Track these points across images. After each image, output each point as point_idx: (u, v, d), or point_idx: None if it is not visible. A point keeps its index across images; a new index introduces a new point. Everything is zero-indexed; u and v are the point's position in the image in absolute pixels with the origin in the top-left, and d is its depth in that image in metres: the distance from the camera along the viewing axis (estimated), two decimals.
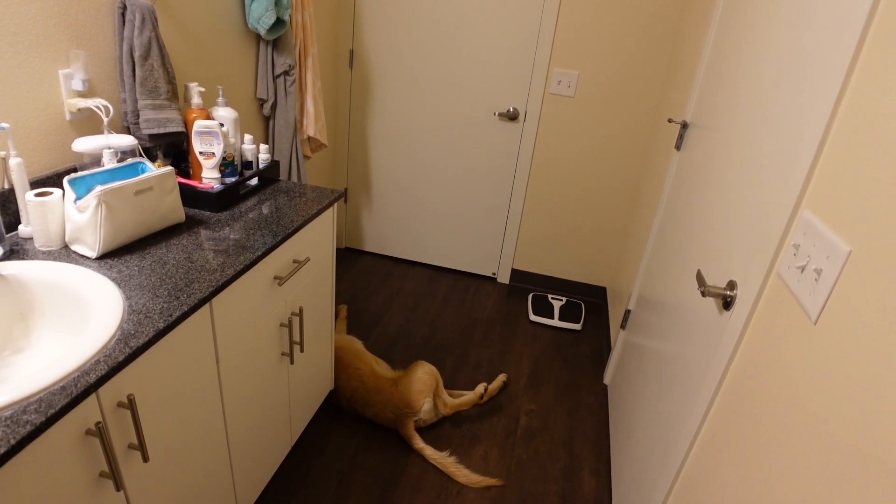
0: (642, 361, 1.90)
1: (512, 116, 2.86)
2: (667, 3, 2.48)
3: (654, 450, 1.55)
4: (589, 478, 1.98)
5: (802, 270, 0.90)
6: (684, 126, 2.00)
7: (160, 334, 1.01)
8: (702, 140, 1.75)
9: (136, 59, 1.48)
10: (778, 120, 1.15)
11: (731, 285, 1.20)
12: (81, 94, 1.43)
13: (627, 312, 2.32)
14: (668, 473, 1.36)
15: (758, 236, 1.13)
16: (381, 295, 2.98)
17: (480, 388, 2.19)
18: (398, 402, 2.04)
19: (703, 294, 1.22)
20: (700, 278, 1.29)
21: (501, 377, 2.37)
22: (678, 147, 2.03)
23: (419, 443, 2.00)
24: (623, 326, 2.35)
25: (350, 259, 3.33)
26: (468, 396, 2.16)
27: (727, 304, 1.20)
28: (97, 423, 0.91)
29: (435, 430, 2.10)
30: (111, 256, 1.24)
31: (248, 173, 1.69)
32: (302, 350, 1.66)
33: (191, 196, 1.53)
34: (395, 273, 3.23)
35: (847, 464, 0.70)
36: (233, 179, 1.63)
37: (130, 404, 0.98)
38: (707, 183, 1.59)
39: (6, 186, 1.29)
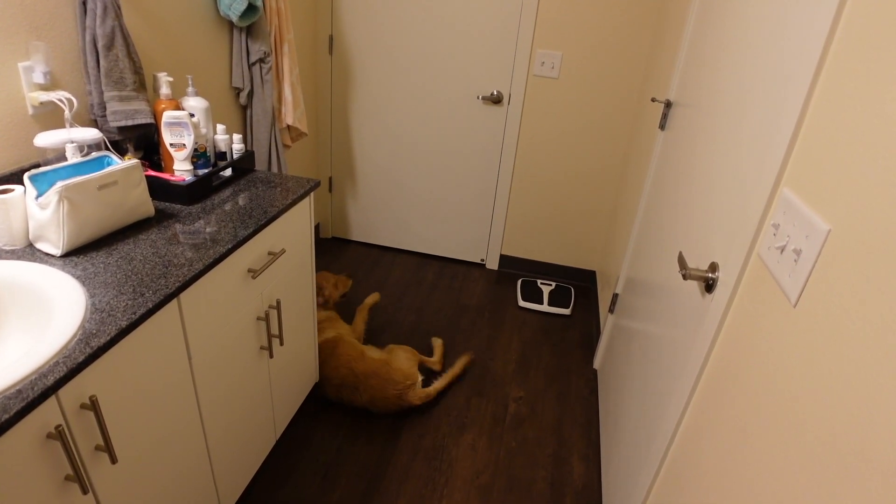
0: (630, 346, 1.88)
1: (496, 100, 2.82)
2: None
3: (640, 434, 1.54)
4: (578, 463, 1.96)
5: (782, 251, 0.88)
6: (668, 105, 1.97)
7: (123, 333, 0.98)
8: (685, 119, 1.72)
9: (100, 50, 1.44)
10: (758, 96, 1.12)
11: (713, 267, 1.17)
12: (44, 87, 1.38)
13: (615, 296, 2.30)
14: (654, 458, 1.34)
15: (738, 216, 1.10)
16: (369, 284, 2.95)
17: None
18: (398, 378, 2.05)
19: (685, 277, 1.19)
20: (682, 261, 1.26)
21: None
22: (662, 126, 2.00)
23: (432, 390, 2.15)
24: (611, 310, 2.33)
25: (337, 249, 3.30)
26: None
27: (709, 286, 1.17)
28: (57, 427, 0.88)
29: (423, 417, 2.09)
30: (76, 254, 1.21)
31: (221, 164, 1.65)
32: (281, 343, 1.63)
33: (162, 189, 1.49)
34: (382, 261, 3.20)
35: (823, 447, 0.68)
36: (206, 171, 1.59)
37: (94, 405, 0.95)
38: (690, 163, 1.56)
39: None
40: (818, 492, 0.67)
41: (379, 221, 3.30)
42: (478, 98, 2.83)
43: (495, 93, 2.80)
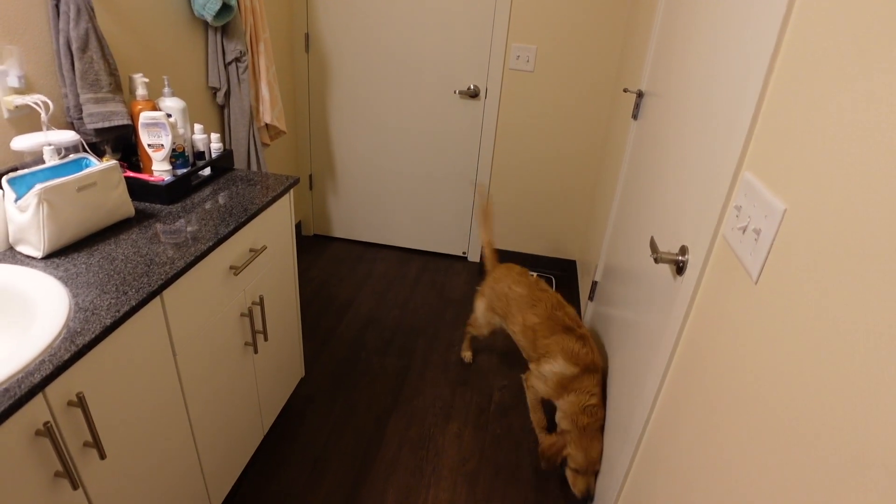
0: (609, 331, 1.92)
1: (473, 94, 2.84)
2: None
3: (621, 416, 1.58)
4: None
5: (744, 231, 0.92)
6: (640, 95, 2.01)
7: (108, 330, 1.00)
8: (656, 109, 1.76)
9: (74, 52, 1.44)
10: (722, 86, 1.16)
11: (683, 250, 1.21)
12: (18, 91, 1.39)
13: (594, 284, 2.34)
14: (633, 438, 1.38)
15: (705, 200, 1.14)
16: (352, 280, 2.97)
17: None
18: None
19: (656, 261, 1.23)
20: (653, 245, 1.30)
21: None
22: (635, 116, 2.04)
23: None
24: (591, 298, 2.37)
25: (319, 246, 3.31)
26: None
27: (680, 269, 1.21)
28: (45, 423, 0.90)
29: (409, 409, 2.11)
30: (58, 255, 1.21)
31: (200, 164, 1.66)
32: (266, 339, 1.64)
33: (141, 190, 1.50)
34: (365, 257, 3.22)
35: (786, 419, 0.72)
36: (184, 170, 1.60)
37: (81, 402, 0.96)
38: (661, 151, 1.60)
39: None
40: (779, 461, 0.71)
41: (361, 218, 3.32)
42: (455, 93, 2.86)
43: (472, 87, 2.83)
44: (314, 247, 3.30)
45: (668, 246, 1.34)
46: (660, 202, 1.51)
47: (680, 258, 1.21)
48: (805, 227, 0.72)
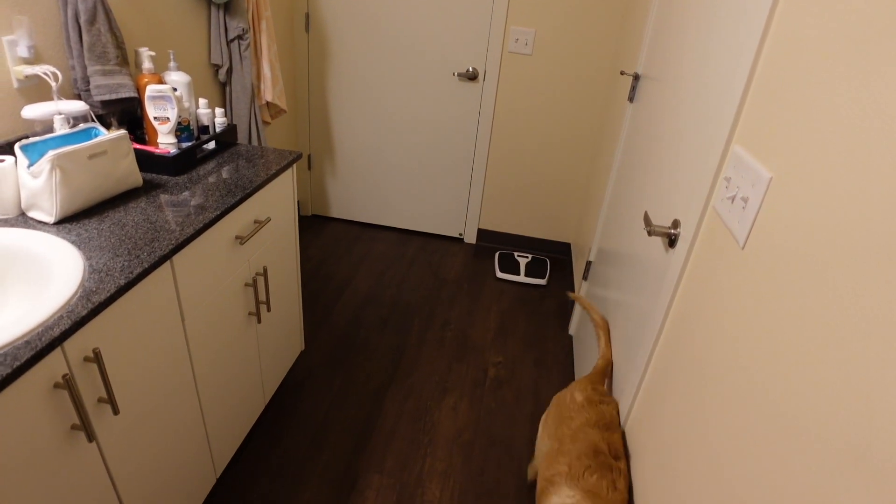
0: (604, 309, 1.97)
1: (471, 76, 2.87)
2: None
3: (616, 392, 1.63)
4: None
5: (733, 200, 0.96)
6: (636, 78, 2.05)
7: (122, 290, 1.04)
8: (652, 91, 1.80)
9: (82, 25, 1.47)
10: (715, 65, 1.20)
11: (675, 224, 1.26)
12: (28, 62, 1.41)
13: (588, 264, 2.39)
14: (623, 408, 1.43)
15: (697, 174, 1.18)
16: (349, 260, 3.01)
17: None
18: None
19: (650, 234, 1.28)
20: (647, 219, 1.35)
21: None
22: (631, 99, 2.08)
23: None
24: (585, 277, 2.42)
25: (317, 226, 3.35)
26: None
27: (672, 241, 1.26)
28: (64, 376, 0.94)
29: (406, 383, 2.16)
30: (69, 221, 1.25)
31: (204, 137, 1.69)
32: (269, 309, 1.69)
33: (148, 161, 1.53)
34: (362, 238, 3.26)
35: (770, 380, 0.77)
36: (190, 144, 1.63)
37: (97, 358, 1.00)
38: (656, 131, 1.64)
39: None
40: (763, 426, 0.76)
41: (359, 198, 3.35)
42: (454, 75, 2.88)
43: (471, 69, 2.86)
44: (313, 226, 3.34)
45: (661, 221, 1.39)
46: (654, 179, 1.56)
47: (672, 231, 1.25)
48: (789, 194, 0.77)
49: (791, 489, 0.66)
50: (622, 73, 2.12)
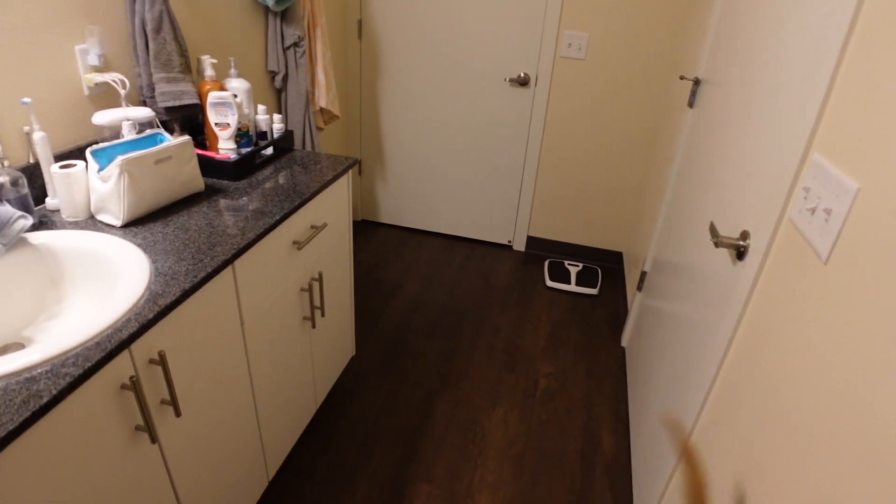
0: (659, 321, 1.91)
1: (523, 82, 2.85)
2: None
3: (670, 405, 1.58)
4: (608, 436, 2.01)
5: (813, 212, 0.91)
6: (696, 82, 1.99)
7: (187, 294, 1.05)
8: (715, 95, 1.74)
9: (149, 33, 1.51)
10: (790, 69, 1.15)
11: (744, 235, 1.21)
12: (98, 69, 1.46)
13: (643, 274, 2.33)
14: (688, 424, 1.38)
15: (769, 184, 1.13)
16: (399, 265, 3.02)
17: None
18: None
19: (717, 245, 1.23)
20: (713, 230, 1.30)
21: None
22: (691, 104, 2.02)
23: None
24: (639, 288, 2.36)
25: (366, 231, 3.37)
26: None
27: (741, 254, 1.21)
28: (131, 378, 0.95)
29: (455, 393, 2.15)
30: (135, 224, 1.28)
31: (262, 143, 1.71)
32: (323, 314, 1.69)
33: (208, 166, 1.56)
34: (410, 243, 3.26)
35: (854, 403, 0.72)
36: (249, 149, 1.65)
37: (161, 360, 1.02)
38: (720, 137, 1.59)
39: (31, 161, 1.33)
40: (849, 447, 0.72)
41: (407, 204, 3.36)
42: (505, 80, 2.86)
43: (522, 75, 2.83)
44: (362, 231, 3.36)
45: (728, 232, 1.34)
46: (719, 189, 1.50)
47: (741, 243, 1.20)
48: (879, 206, 0.72)
49: None
50: (682, 77, 2.06)
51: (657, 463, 1.58)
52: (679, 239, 1.86)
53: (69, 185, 1.26)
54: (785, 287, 0.98)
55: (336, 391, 2.11)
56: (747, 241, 1.18)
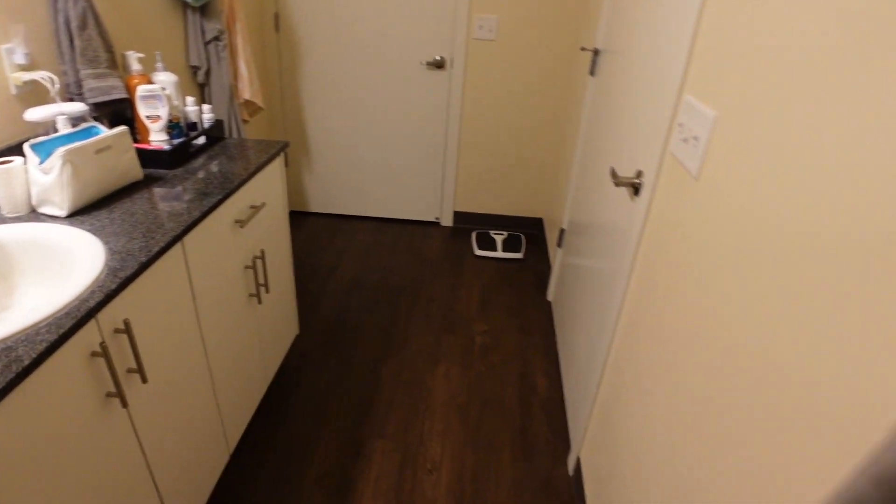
0: (577, 273, 2.11)
1: (439, 64, 2.99)
2: None
3: (590, 341, 1.77)
4: (542, 379, 2.20)
5: (686, 141, 1.10)
6: (596, 52, 2.19)
7: (144, 266, 1.14)
8: (611, 62, 1.94)
9: (74, 30, 1.55)
10: (665, 29, 1.34)
11: (639, 174, 1.40)
12: (24, 68, 1.49)
13: (562, 231, 2.54)
14: (600, 357, 1.57)
15: (654, 127, 1.32)
16: (332, 249, 3.11)
17: None
18: None
19: (616, 184, 1.42)
20: (613, 173, 1.48)
21: None
22: (592, 73, 2.22)
23: None
24: (559, 244, 2.56)
25: (297, 221, 3.44)
26: None
27: (637, 190, 1.40)
28: (101, 344, 1.04)
29: (399, 357, 2.28)
30: (80, 214, 1.34)
31: (194, 133, 1.78)
32: (268, 290, 1.79)
33: (144, 157, 1.62)
34: (342, 229, 3.36)
35: (723, 304, 0.91)
36: (181, 139, 1.72)
37: (127, 328, 1.10)
38: (616, 98, 1.78)
39: None
40: (720, 355, 0.90)
41: (336, 191, 3.45)
42: (422, 64, 3.00)
43: (438, 58, 2.98)
44: (293, 222, 3.42)
45: (627, 173, 1.53)
46: (618, 140, 1.70)
47: (636, 180, 1.39)
48: (733, 129, 0.91)
49: (750, 417, 0.79)
50: (583, 48, 2.26)
51: (584, 392, 1.77)
52: (588, 194, 2.06)
53: (8, 180, 1.30)
54: (669, 206, 1.17)
55: (285, 369, 2.21)
56: (641, 179, 1.37)
